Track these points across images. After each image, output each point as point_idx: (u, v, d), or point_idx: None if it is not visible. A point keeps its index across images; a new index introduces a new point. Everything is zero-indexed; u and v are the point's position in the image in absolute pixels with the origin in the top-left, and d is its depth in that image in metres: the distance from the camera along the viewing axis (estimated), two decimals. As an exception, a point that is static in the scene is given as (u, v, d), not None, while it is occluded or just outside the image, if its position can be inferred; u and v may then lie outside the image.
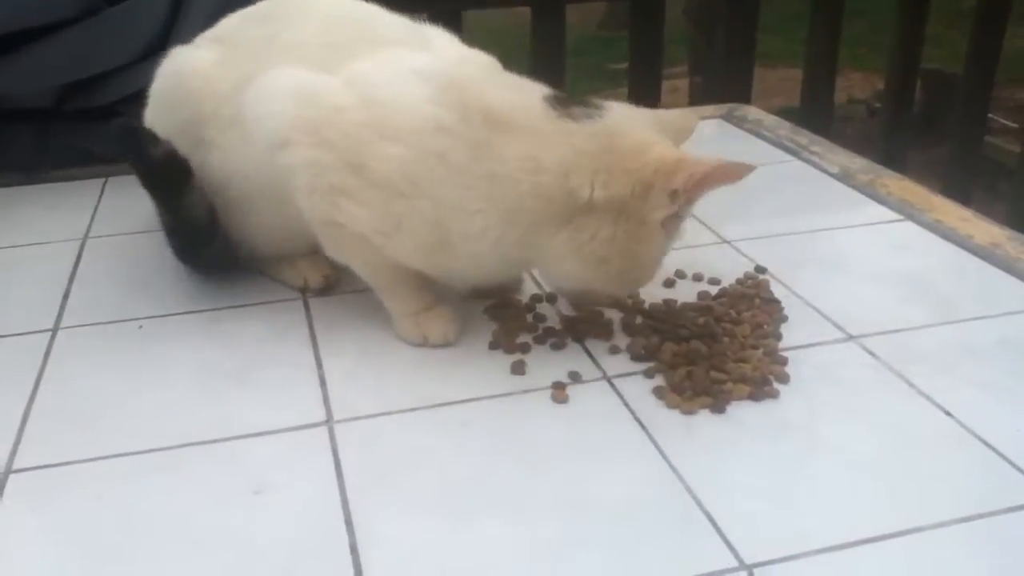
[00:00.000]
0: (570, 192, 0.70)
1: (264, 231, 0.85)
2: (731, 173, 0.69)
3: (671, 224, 0.72)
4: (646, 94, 1.91)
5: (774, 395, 0.71)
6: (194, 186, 0.82)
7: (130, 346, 0.80)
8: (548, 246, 0.72)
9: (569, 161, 0.70)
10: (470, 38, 0.86)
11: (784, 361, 0.74)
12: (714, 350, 0.74)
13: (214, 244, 0.86)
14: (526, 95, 0.74)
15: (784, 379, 0.72)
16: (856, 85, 5.06)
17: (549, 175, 0.70)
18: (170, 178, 0.81)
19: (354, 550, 0.57)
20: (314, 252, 0.85)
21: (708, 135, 1.33)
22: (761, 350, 0.75)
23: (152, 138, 0.81)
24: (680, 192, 0.69)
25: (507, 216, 0.71)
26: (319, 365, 0.76)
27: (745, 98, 1.86)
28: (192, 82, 0.84)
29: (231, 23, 0.87)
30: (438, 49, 0.80)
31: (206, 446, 0.67)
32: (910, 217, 1.01)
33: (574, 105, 0.72)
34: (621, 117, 0.73)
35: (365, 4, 0.84)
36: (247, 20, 0.86)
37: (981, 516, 0.59)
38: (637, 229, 0.70)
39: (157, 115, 0.87)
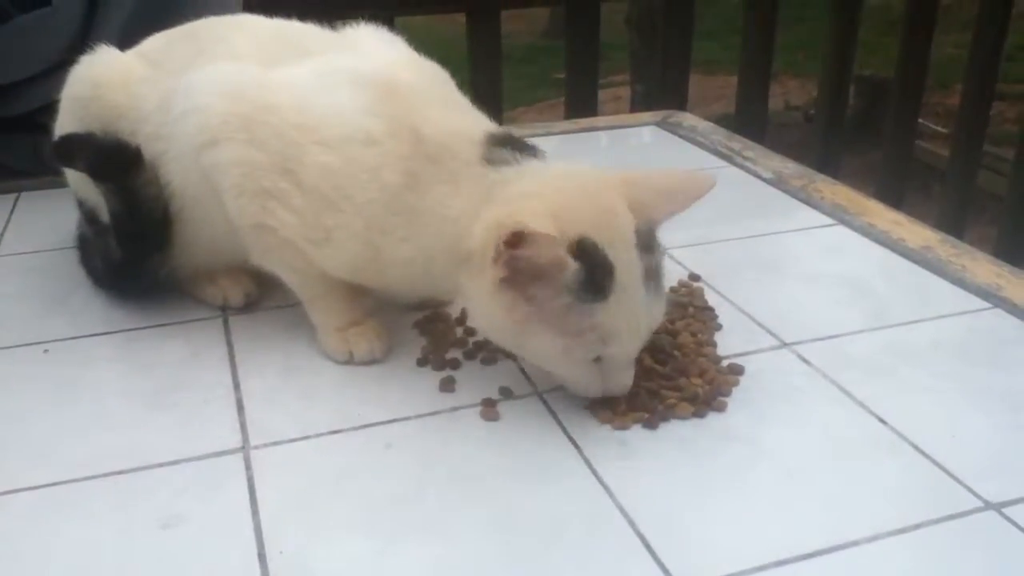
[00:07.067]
0: (460, 239, 0.66)
1: (188, 247, 0.80)
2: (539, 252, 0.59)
3: (512, 298, 0.62)
4: (582, 102, 1.90)
5: (721, 408, 0.69)
6: (145, 166, 0.77)
7: (37, 371, 0.75)
8: (461, 289, 0.68)
9: (468, 210, 0.66)
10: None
11: (740, 370, 0.73)
12: (657, 360, 0.72)
13: (165, 250, 0.80)
14: (461, 125, 0.69)
15: (728, 392, 0.71)
16: (793, 91, 5.15)
17: (454, 225, 0.66)
18: (120, 157, 0.77)
19: (268, 586, 0.54)
20: (236, 269, 0.82)
21: (644, 142, 1.33)
22: (725, 363, 0.73)
23: (88, 133, 0.78)
24: (498, 255, 0.60)
25: (428, 252, 0.68)
26: (237, 387, 0.72)
27: (682, 105, 1.86)
28: (112, 95, 0.79)
29: (156, 43, 0.83)
30: (372, 53, 0.76)
31: (112, 477, 0.62)
32: (843, 221, 1.01)
33: (501, 147, 0.68)
34: (534, 167, 0.67)
35: (295, 22, 0.81)
36: (173, 39, 0.82)
37: (917, 527, 0.58)
38: (482, 288, 0.64)
39: (67, 122, 0.82)
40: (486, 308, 0.65)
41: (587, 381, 0.66)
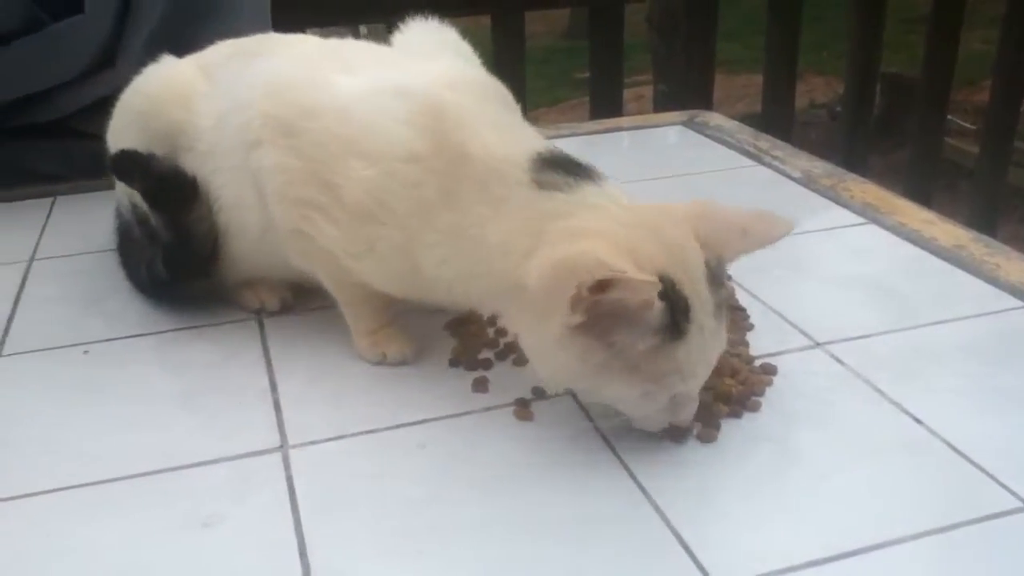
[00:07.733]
0: (506, 271, 0.63)
1: (234, 263, 0.81)
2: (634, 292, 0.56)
3: (586, 345, 0.59)
4: (607, 102, 1.91)
5: (755, 408, 0.69)
6: (201, 199, 0.78)
7: (75, 372, 0.77)
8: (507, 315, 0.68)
9: (515, 238, 0.63)
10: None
11: (773, 370, 0.72)
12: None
13: (211, 271, 0.81)
14: (511, 145, 0.66)
15: (761, 392, 0.71)
16: (818, 90, 5.12)
17: (498, 251, 0.64)
18: (178, 190, 0.77)
19: (309, 583, 0.54)
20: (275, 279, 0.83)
21: (671, 142, 1.33)
22: (758, 363, 0.73)
23: (150, 155, 0.78)
24: (578, 300, 0.56)
25: (468, 275, 0.67)
26: (273, 388, 0.73)
27: (707, 105, 1.86)
28: (172, 111, 0.79)
29: (216, 56, 0.83)
30: (423, 69, 0.74)
31: (152, 477, 0.64)
32: (873, 220, 1.01)
33: (553, 170, 0.65)
34: (591, 196, 0.63)
35: (348, 40, 0.82)
36: (230, 55, 0.82)
37: (955, 526, 0.57)
38: (546, 334, 0.60)
39: (125, 134, 0.82)
40: (552, 355, 0.61)
41: (658, 418, 0.64)
